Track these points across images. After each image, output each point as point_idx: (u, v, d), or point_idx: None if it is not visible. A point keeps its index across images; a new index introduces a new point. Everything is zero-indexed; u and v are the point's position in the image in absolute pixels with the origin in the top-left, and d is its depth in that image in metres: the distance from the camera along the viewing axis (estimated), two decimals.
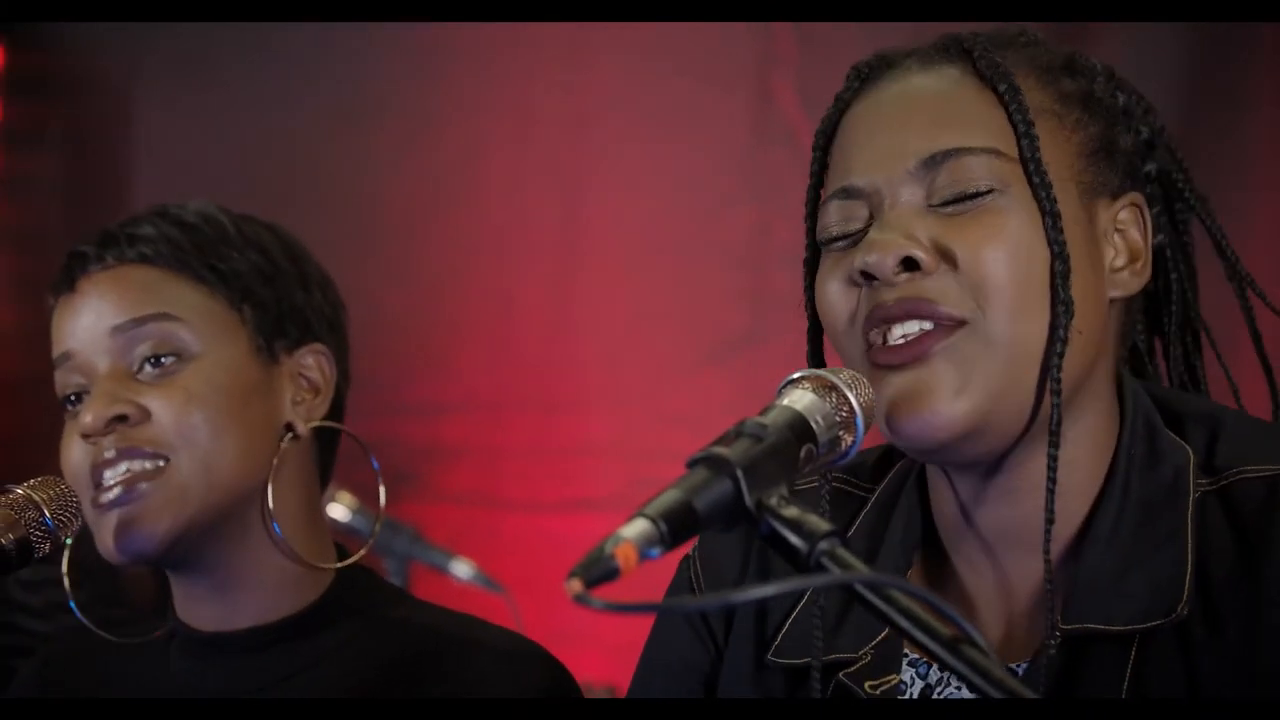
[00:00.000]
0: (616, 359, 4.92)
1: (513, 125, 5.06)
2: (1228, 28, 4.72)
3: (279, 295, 2.50)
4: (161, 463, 2.36)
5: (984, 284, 1.97)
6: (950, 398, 1.96)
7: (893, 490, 2.19)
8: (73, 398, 2.42)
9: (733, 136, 4.88)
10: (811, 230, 2.12)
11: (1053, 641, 1.99)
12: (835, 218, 2.05)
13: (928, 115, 2.06)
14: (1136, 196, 2.09)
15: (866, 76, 2.11)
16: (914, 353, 1.97)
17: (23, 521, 2.25)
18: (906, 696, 2.08)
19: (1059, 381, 1.97)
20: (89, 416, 2.36)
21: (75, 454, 2.39)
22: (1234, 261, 2.18)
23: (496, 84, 5.07)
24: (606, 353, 4.93)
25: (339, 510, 3.79)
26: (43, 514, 2.27)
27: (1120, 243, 2.07)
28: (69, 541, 2.33)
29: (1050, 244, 1.98)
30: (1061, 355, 1.97)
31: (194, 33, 5.15)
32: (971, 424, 1.97)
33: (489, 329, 5.05)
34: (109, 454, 2.36)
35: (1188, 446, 2.05)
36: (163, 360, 2.40)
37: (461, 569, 4.00)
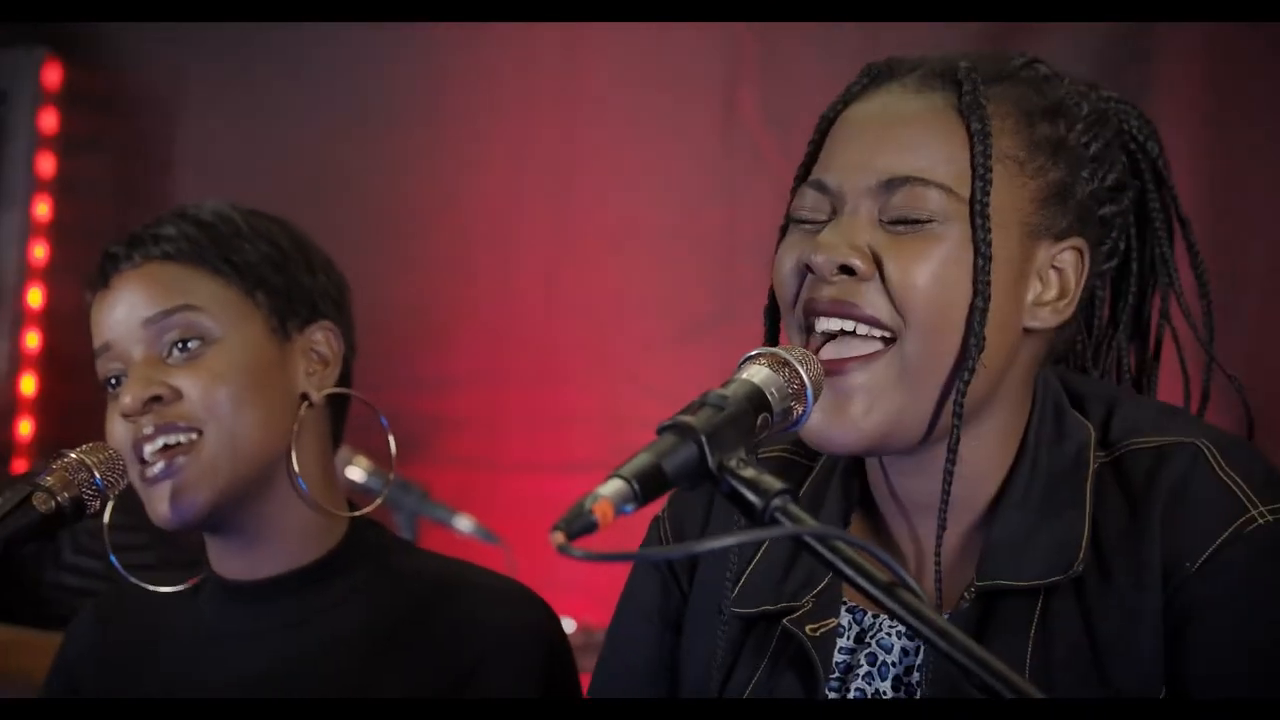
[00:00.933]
0: (601, 338, 4.92)
1: (511, 129, 5.05)
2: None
3: (288, 280, 2.53)
4: (194, 435, 2.40)
5: (905, 300, 1.99)
6: (860, 417, 1.99)
7: (832, 462, 2.19)
8: (113, 381, 2.46)
9: (704, 144, 4.88)
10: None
11: (969, 595, 2.00)
12: (807, 202, 2.07)
13: (902, 138, 2.05)
14: (1079, 242, 2.08)
15: (874, 78, 2.12)
16: (840, 368, 1.99)
17: (76, 482, 2.26)
18: (844, 639, 2.09)
19: (962, 406, 1.98)
20: (128, 398, 2.40)
21: (118, 431, 2.42)
22: (1204, 283, 2.23)
23: (497, 90, 5.06)
24: (592, 333, 4.92)
25: (356, 472, 3.78)
26: (93, 475, 2.28)
27: (1054, 280, 2.07)
28: (112, 501, 2.33)
29: (976, 283, 1.98)
30: (967, 383, 1.98)
31: (230, 52, 5.14)
32: (875, 438, 2.01)
33: (489, 312, 5.04)
34: (147, 430, 2.39)
35: (1089, 424, 2.06)
36: (188, 345, 2.44)
37: (463, 523, 4.00)
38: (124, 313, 2.47)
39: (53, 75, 5.14)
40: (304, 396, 2.51)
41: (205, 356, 2.44)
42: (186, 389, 2.42)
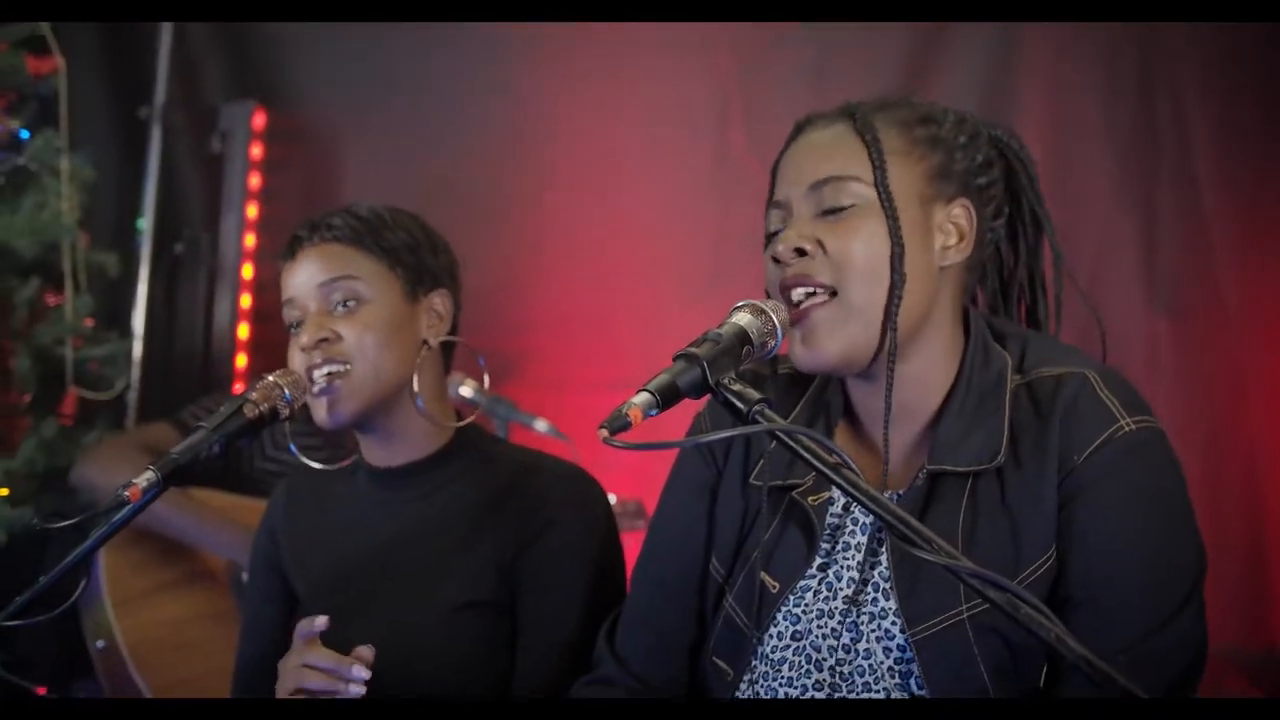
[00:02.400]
0: (636, 296, 4.91)
1: (570, 148, 5.04)
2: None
3: (418, 259, 2.53)
4: (347, 367, 2.40)
5: (843, 264, 2.00)
6: (825, 344, 2.00)
7: (823, 382, 2.19)
8: (294, 326, 2.46)
9: (703, 168, 4.87)
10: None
11: (921, 475, 2.02)
12: (772, 219, 2.09)
13: (819, 154, 2.07)
14: (965, 202, 2.09)
15: (797, 129, 2.13)
16: (803, 315, 2.00)
17: (272, 396, 2.30)
18: (835, 507, 2.09)
19: (895, 328, 1.99)
20: (305, 338, 2.42)
21: (297, 360, 2.43)
22: (1054, 244, 2.25)
23: (561, 121, 5.05)
24: (630, 292, 4.91)
25: (467, 390, 3.77)
26: (284, 392, 2.32)
27: (953, 230, 2.08)
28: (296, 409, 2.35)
29: (890, 237, 1.99)
30: (897, 309, 1.98)
31: (384, 96, 5.13)
32: (839, 358, 2.01)
33: (557, 278, 5.02)
34: (316, 360, 2.40)
35: (1008, 355, 2.06)
36: (348, 304, 2.43)
37: (540, 425, 3.99)
38: (305, 277, 2.48)
39: (259, 119, 5.13)
40: (424, 342, 2.52)
41: (359, 312, 2.45)
42: (345, 334, 2.43)
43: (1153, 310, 4.42)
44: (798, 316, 2.01)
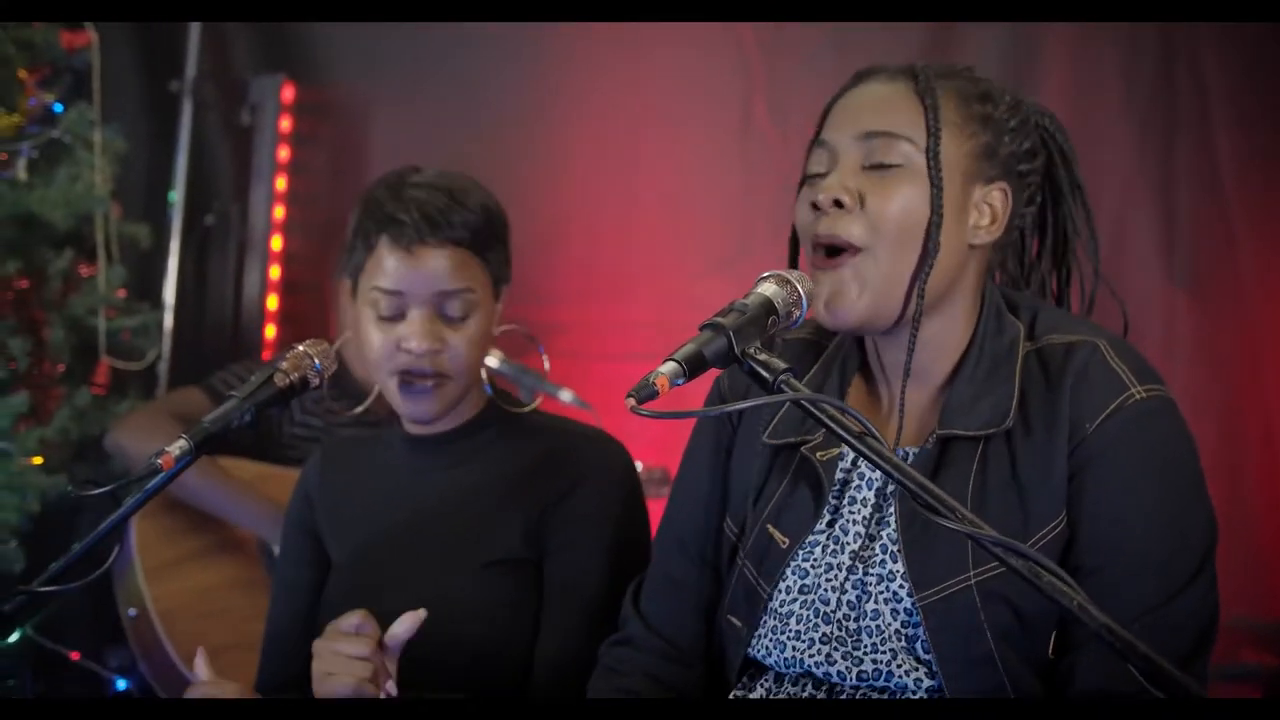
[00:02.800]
0: (659, 269, 4.91)
1: (593, 126, 5.04)
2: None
3: (505, 257, 2.53)
4: (447, 379, 2.44)
5: (879, 224, 1.99)
6: (854, 300, 1.99)
7: (840, 341, 2.20)
8: (385, 314, 2.43)
9: (730, 138, 4.85)
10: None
11: (931, 438, 2.01)
12: (813, 160, 2.08)
13: (877, 107, 2.06)
14: (1004, 185, 2.09)
15: (858, 77, 2.12)
16: (834, 264, 2.00)
17: (302, 366, 2.26)
18: (844, 462, 2.11)
19: (923, 295, 1.99)
20: (415, 344, 2.42)
21: (384, 351, 2.45)
22: (1090, 245, 2.26)
23: (589, 99, 5.05)
24: (653, 265, 4.92)
25: (494, 360, 3.78)
26: (314, 361, 2.28)
27: (987, 211, 2.07)
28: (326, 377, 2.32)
29: (932, 205, 1.98)
30: (927, 275, 1.98)
31: (410, 69, 5.13)
32: (866, 316, 2.00)
33: (581, 252, 5.03)
34: (424, 367, 2.42)
35: (1019, 323, 2.06)
36: (462, 316, 2.44)
37: (565, 395, 4.00)
38: (424, 279, 2.41)
39: (288, 92, 5.13)
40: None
41: (468, 324, 2.43)
42: (453, 344, 2.42)
43: (1171, 283, 4.41)
44: (828, 266, 2.03)
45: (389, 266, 2.42)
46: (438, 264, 2.41)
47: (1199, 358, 4.36)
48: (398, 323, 2.42)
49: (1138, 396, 1.97)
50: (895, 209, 2.00)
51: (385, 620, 2.28)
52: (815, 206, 2.03)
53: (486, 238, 2.46)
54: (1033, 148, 2.14)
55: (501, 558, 2.46)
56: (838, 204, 2.01)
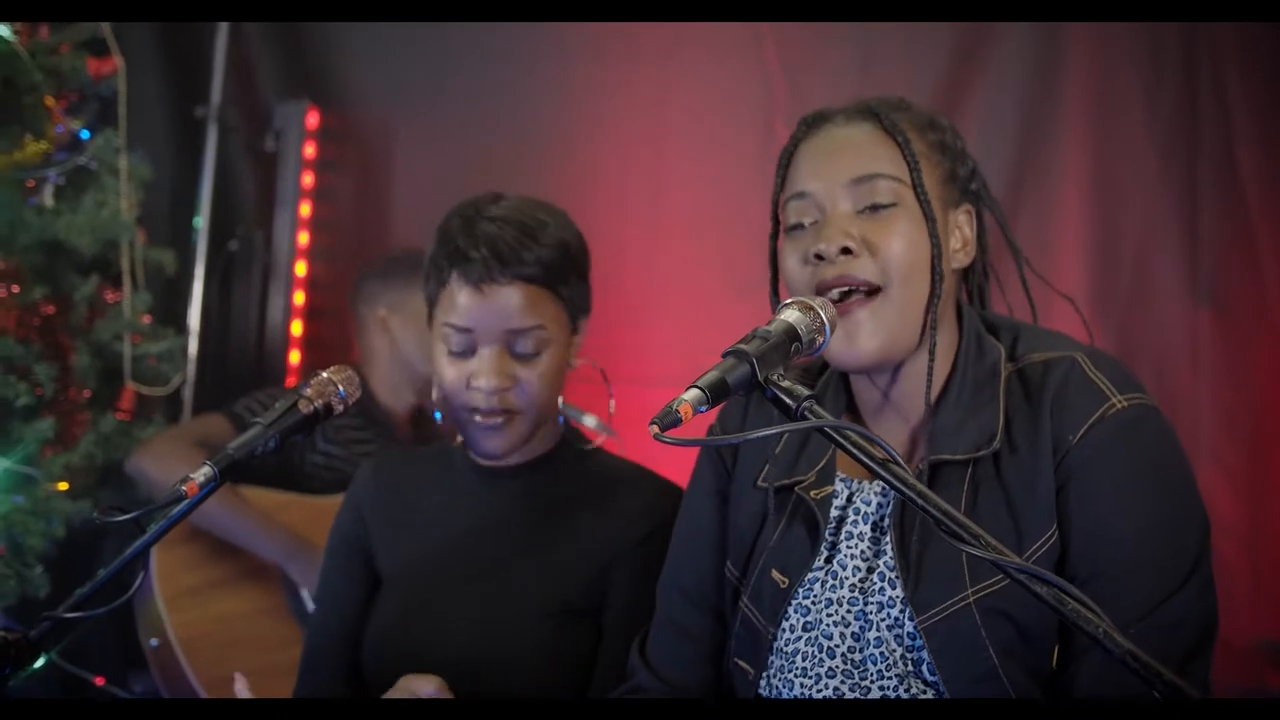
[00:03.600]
0: (683, 294, 4.90)
1: (621, 150, 5.04)
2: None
3: (583, 291, 2.52)
4: (517, 415, 2.43)
5: (889, 264, 2.02)
6: (867, 341, 2.02)
7: (828, 379, 2.22)
8: (456, 349, 2.42)
9: (752, 161, 4.83)
10: (774, 219, 2.16)
11: (922, 465, 2.03)
12: (794, 212, 2.09)
13: (854, 152, 2.08)
14: (967, 207, 2.13)
15: (810, 124, 2.14)
16: (847, 309, 2.02)
17: (327, 393, 2.26)
18: (838, 500, 2.10)
19: (935, 325, 2.03)
20: (484, 381, 2.42)
21: (457, 384, 2.45)
22: (1013, 245, 2.29)
23: (614, 125, 5.05)
24: (677, 290, 4.92)
25: None
26: (338, 388, 2.28)
27: (958, 234, 2.11)
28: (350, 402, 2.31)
29: (930, 238, 2.02)
30: (937, 304, 2.03)
31: (432, 95, 5.14)
32: (879, 355, 2.03)
33: (605, 275, 5.02)
34: (493, 404, 2.41)
35: (1000, 345, 2.08)
36: (531, 351, 2.42)
37: (589, 419, 3.97)
38: (493, 318, 2.42)
39: (312, 118, 5.15)
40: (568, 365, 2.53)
41: (540, 360, 2.43)
42: (523, 379, 2.42)
43: (1195, 302, 4.38)
44: (842, 311, 2.02)
45: (460, 303, 2.41)
46: (508, 301, 2.39)
47: (1225, 377, 4.33)
48: (469, 359, 2.41)
49: (1118, 406, 2.00)
50: (900, 248, 2.04)
51: (434, 644, 2.27)
52: (819, 257, 2.06)
53: (561, 272, 2.44)
54: (974, 167, 2.20)
55: (561, 609, 2.44)
56: (846, 251, 2.04)
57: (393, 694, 2.22)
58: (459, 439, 2.60)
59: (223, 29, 5.04)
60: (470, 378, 2.39)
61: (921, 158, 2.08)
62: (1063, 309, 2.39)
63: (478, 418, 2.41)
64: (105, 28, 4.09)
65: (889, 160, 2.07)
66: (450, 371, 2.42)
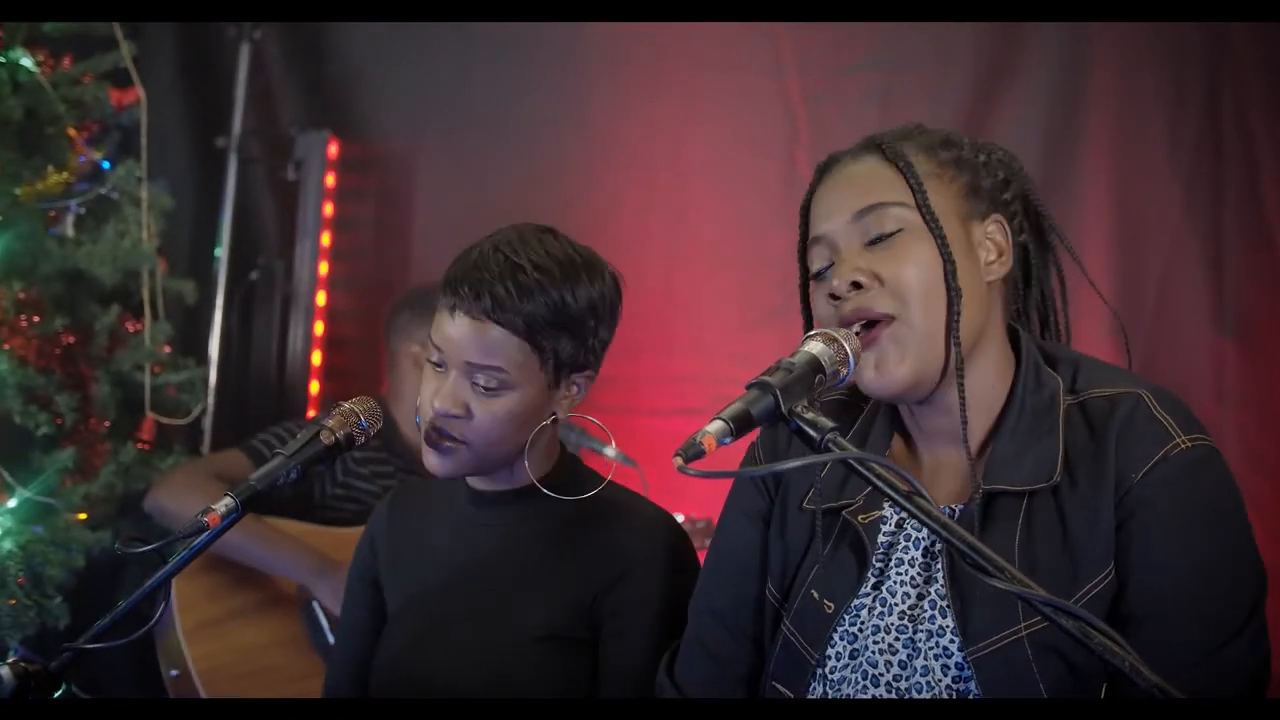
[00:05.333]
0: (704, 323, 4.92)
1: (642, 179, 5.05)
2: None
3: (579, 345, 2.45)
4: (464, 445, 2.42)
5: (902, 291, 2.01)
6: (896, 367, 2.00)
7: (876, 405, 2.20)
8: (437, 363, 2.42)
9: (772, 190, 4.84)
10: (803, 267, 2.17)
11: (977, 495, 2.00)
12: (816, 258, 2.10)
13: (858, 187, 2.08)
14: (998, 217, 2.11)
15: (824, 170, 2.14)
16: (872, 339, 2.01)
17: (348, 423, 2.28)
18: (887, 525, 2.09)
19: (959, 340, 1.99)
20: (439, 403, 2.41)
21: (427, 397, 2.43)
22: (1073, 254, 2.24)
23: (634, 153, 5.06)
24: (698, 319, 4.93)
25: None
26: (360, 419, 2.30)
27: (991, 246, 2.10)
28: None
29: (941, 255, 2.00)
30: (958, 322, 1.99)
31: (451, 125, 5.16)
32: (911, 381, 2.01)
33: (627, 306, 5.02)
34: (442, 424, 2.41)
35: (1059, 377, 2.05)
36: (490, 389, 2.39)
37: (610, 451, 3.97)
38: (458, 346, 2.39)
39: (333, 148, 5.17)
40: (554, 416, 2.49)
41: (498, 399, 2.39)
42: (476, 413, 2.40)
43: (1220, 332, 4.38)
44: (867, 341, 2.02)
45: (440, 322, 2.42)
46: (475, 336, 2.37)
47: (1250, 408, 4.32)
48: (442, 379, 2.42)
49: (1182, 446, 1.97)
50: (911, 272, 2.03)
51: (434, 671, 2.28)
52: (835, 296, 2.05)
53: (550, 329, 2.40)
54: (1006, 177, 2.18)
55: (552, 632, 2.45)
56: (856, 285, 2.04)
57: None
58: None
59: (244, 60, 5.08)
60: (434, 395, 2.41)
61: (931, 178, 2.07)
62: (1088, 333, 2.37)
63: (430, 436, 2.43)
64: (127, 58, 4.12)
65: (891, 188, 2.06)
66: (425, 386, 2.44)
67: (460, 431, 2.40)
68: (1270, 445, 4.28)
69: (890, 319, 2.02)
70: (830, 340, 1.85)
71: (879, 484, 1.71)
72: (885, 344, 2.02)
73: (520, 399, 2.41)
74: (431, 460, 2.44)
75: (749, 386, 1.78)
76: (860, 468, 1.74)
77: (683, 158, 4.99)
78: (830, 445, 1.74)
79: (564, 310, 2.40)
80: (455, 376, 2.40)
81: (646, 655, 2.41)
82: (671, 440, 1.68)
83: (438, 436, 2.41)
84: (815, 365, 1.82)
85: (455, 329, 2.38)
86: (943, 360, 2.04)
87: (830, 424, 1.74)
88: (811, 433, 1.75)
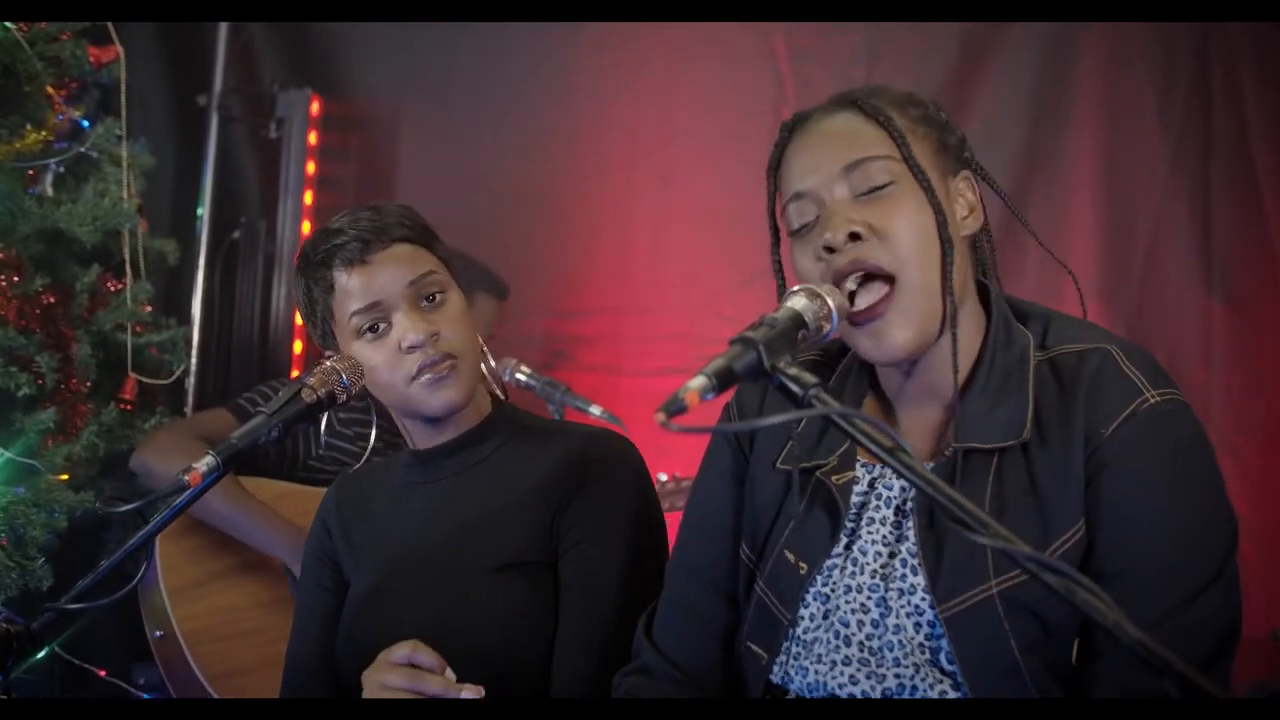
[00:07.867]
0: (688, 283, 4.92)
1: (627, 142, 5.04)
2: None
3: (462, 271, 2.59)
4: (455, 360, 2.45)
5: (899, 248, 2.01)
6: (898, 334, 2.01)
7: (849, 362, 2.21)
8: (371, 329, 2.44)
9: (760, 153, 4.81)
10: (773, 229, 2.18)
11: (947, 451, 2.02)
12: (795, 215, 2.10)
13: (841, 141, 2.08)
14: (966, 173, 2.13)
15: (792, 126, 2.14)
16: (873, 314, 2.00)
17: (330, 381, 2.29)
18: (859, 485, 2.10)
19: (952, 293, 2.00)
20: (412, 336, 2.43)
21: (387, 360, 2.45)
22: (1010, 206, 2.25)
23: (621, 119, 5.05)
24: (682, 279, 4.93)
25: (522, 375, 3.79)
26: (342, 377, 2.31)
27: (962, 202, 2.11)
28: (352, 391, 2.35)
29: (931, 207, 2.02)
30: (951, 274, 2.00)
31: (435, 85, 5.15)
32: (912, 346, 2.03)
33: (612, 266, 5.04)
34: (431, 353, 2.44)
35: (1029, 333, 2.07)
36: (435, 296, 2.46)
37: (595, 409, 3.97)
38: (390, 278, 2.46)
39: (315, 106, 5.16)
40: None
41: (446, 304, 2.48)
42: (441, 326, 2.45)
43: (1209, 295, 4.40)
44: (868, 317, 2.03)
45: (354, 286, 2.45)
46: (397, 260, 2.46)
47: (1238, 370, 4.34)
48: (387, 334, 2.44)
49: (1152, 401, 1.98)
50: (907, 228, 2.03)
51: (399, 621, 2.36)
52: (829, 249, 2.04)
53: (426, 236, 2.52)
54: (961, 135, 2.19)
55: (513, 560, 2.46)
56: (854, 236, 2.03)
57: (372, 671, 2.27)
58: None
59: None
60: (399, 344, 2.42)
61: (907, 132, 2.07)
62: (1071, 295, 2.38)
63: (425, 376, 2.44)
64: None
65: (877, 141, 2.06)
66: (378, 355, 2.44)
67: (444, 347, 2.44)
68: (1258, 406, 4.30)
69: (889, 283, 2.02)
70: (813, 296, 1.85)
71: (862, 439, 1.71)
72: (888, 316, 2.02)
73: (458, 296, 2.52)
74: (441, 396, 2.47)
75: (732, 342, 1.77)
76: (844, 423, 1.75)
77: (668, 118, 5.00)
78: (814, 401, 1.73)
79: (418, 223, 2.53)
80: (406, 307, 2.45)
81: (615, 567, 2.46)
82: (656, 399, 1.68)
83: (434, 366, 2.44)
84: (798, 321, 1.83)
85: (377, 267, 2.46)
86: (940, 315, 2.05)
87: (814, 379, 1.74)
88: (795, 388, 1.74)
